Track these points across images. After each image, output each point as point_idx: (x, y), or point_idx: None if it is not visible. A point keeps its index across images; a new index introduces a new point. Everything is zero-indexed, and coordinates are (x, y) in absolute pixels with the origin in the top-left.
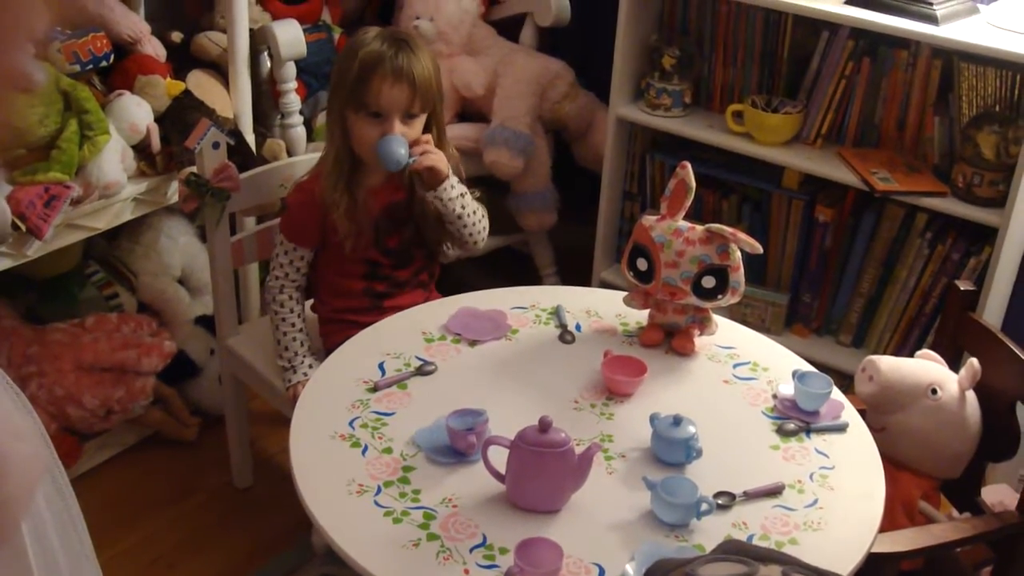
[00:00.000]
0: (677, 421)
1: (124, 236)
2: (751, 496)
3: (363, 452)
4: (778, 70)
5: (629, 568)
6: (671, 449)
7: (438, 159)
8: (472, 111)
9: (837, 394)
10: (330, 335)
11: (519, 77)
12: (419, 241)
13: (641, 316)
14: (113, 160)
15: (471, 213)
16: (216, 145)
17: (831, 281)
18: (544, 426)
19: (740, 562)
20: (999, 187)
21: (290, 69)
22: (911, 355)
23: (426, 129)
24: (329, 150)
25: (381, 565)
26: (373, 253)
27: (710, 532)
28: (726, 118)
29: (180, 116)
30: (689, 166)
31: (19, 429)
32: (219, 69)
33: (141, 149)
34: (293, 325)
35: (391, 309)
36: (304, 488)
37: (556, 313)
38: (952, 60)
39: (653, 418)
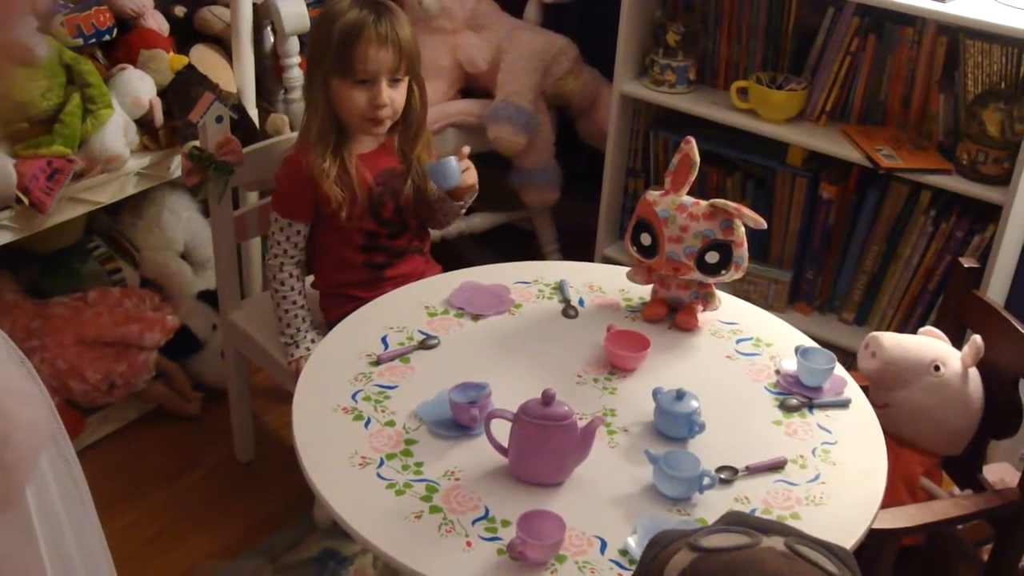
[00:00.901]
0: (680, 395)
1: (127, 210)
2: (753, 471)
3: (366, 425)
4: (783, 47)
5: (631, 541)
6: (674, 423)
7: (475, 176)
8: (476, 87)
9: (840, 370)
10: (330, 309)
11: (523, 53)
12: (412, 209)
13: (644, 291)
14: (116, 134)
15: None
16: (219, 119)
17: (834, 258)
18: (547, 399)
19: (743, 533)
20: (1004, 165)
21: (293, 44)
22: (914, 332)
23: (410, 92)
24: (312, 120)
25: (383, 537)
26: (368, 223)
27: (712, 506)
28: (730, 95)
29: (183, 90)
30: (693, 141)
31: (25, 394)
32: (222, 43)
33: (144, 123)
34: (294, 302)
35: (392, 279)
36: (307, 461)
37: (559, 288)
38: (958, 37)
39: (656, 392)
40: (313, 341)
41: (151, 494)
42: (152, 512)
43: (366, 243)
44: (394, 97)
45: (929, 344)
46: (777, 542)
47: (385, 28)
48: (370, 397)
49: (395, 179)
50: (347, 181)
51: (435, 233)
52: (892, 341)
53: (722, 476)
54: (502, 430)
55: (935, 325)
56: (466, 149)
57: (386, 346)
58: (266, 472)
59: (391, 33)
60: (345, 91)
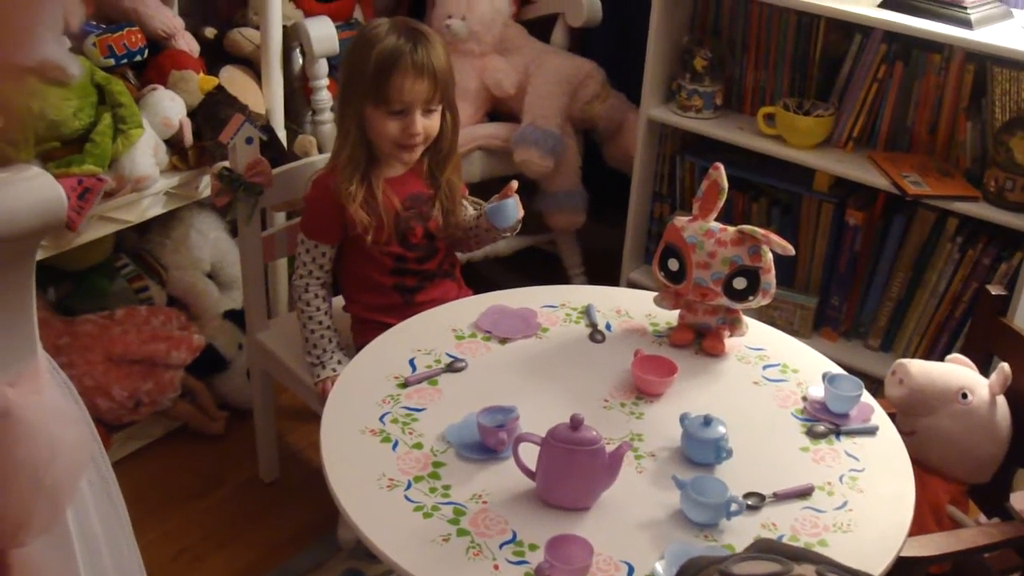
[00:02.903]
0: (707, 421)
1: (155, 230)
2: (781, 497)
3: (393, 447)
4: (810, 73)
5: (659, 567)
6: (701, 449)
7: (522, 210)
8: (503, 111)
9: (867, 397)
10: (360, 335)
11: (550, 77)
12: (442, 233)
13: (671, 316)
14: (146, 154)
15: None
16: (249, 140)
17: (860, 284)
18: (575, 424)
19: (774, 561)
20: None
21: (322, 66)
22: (940, 360)
23: (442, 117)
24: (343, 144)
25: (411, 559)
26: (396, 248)
27: (740, 532)
28: (757, 120)
29: (212, 111)
30: (722, 167)
31: (68, 416)
32: (252, 65)
33: (173, 143)
34: (320, 323)
35: (422, 304)
36: (335, 482)
37: (586, 312)
38: (985, 64)
39: (683, 418)
40: (340, 362)
41: (175, 512)
42: (176, 530)
43: (395, 266)
44: (427, 126)
45: (956, 372)
46: (808, 570)
47: (422, 58)
48: (398, 419)
49: (423, 204)
50: (373, 206)
51: (460, 256)
52: (919, 368)
53: (749, 502)
54: (530, 454)
55: (962, 352)
56: (514, 184)
57: (414, 368)
58: (290, 492)
59: (427, 63)
60: (379, 119)
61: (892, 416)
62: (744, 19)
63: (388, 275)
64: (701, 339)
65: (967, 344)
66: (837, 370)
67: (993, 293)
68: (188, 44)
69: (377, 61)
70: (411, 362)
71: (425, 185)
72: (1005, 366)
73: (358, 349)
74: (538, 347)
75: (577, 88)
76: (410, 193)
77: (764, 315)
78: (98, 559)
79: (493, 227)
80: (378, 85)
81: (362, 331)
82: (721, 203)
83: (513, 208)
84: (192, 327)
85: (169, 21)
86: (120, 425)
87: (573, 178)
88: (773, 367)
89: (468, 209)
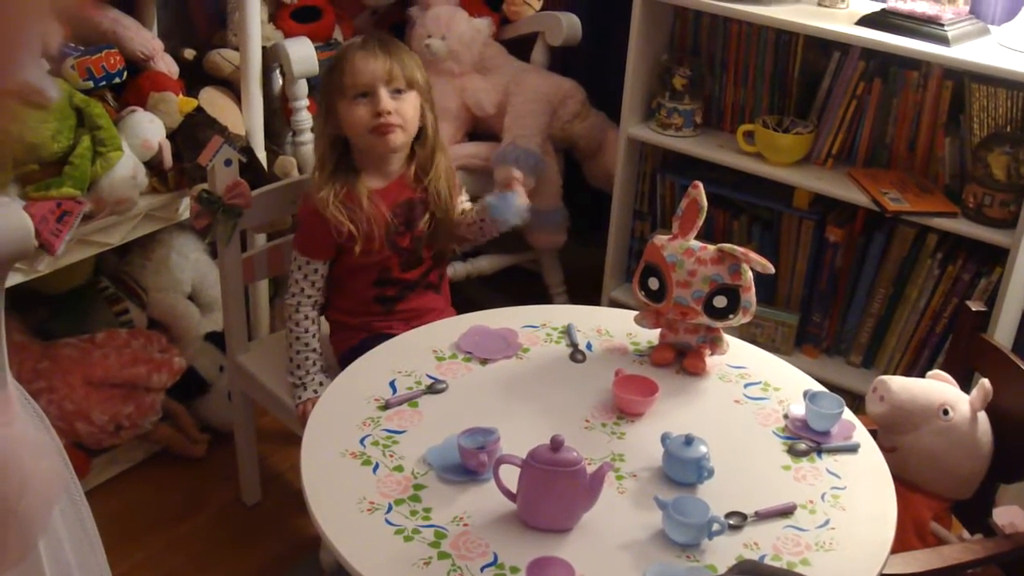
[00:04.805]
0: (688, 441)
1: (135, 252)
2: (763, 516)
3: (374, 470)
4: (789, 90)
5: None
6: (682, 469)
7: (527, 199)
8: (483, 130)
9: (848, 414)
10: (339, 341)
11: (530, 96)
12: (429, 241)
13: (652, 335)
14: (125, 176)
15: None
16: (228, 162)
17: (841, 301)
18: (556, 445)
19: None
20: (1010, 208)
21: (302, 87)
22: (922, 375)
23: (424, 132)
24: (318, 149)
25: None
26: (385, 251)
27: (721, 552)
28: (737, 138)
29: (192, 133)
30: (701, 186)
31: (41, 447)
32: (231, 86)
33: (153, 165)
34: (307, 344)
35: (404, 312)
36: (315, 506)
37: (567, 332)
38: (963, 81)
39: (664, 438)
40: (321, 384)
41: (156, 537)
42: (157, 555)
43: (379, 277)
44: (399, 108)
45: (937, 388)
46: None
47: (375, 45)
48: (378, 442)
49: (412, 209)
50: (359, 216)
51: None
52: (900, 385)
53: (731, 522)
54: (511, 476)
55: (943, 368)
56: (518, 174)
57: (394, 390)
58: (272, 515)
59: (382, 45)
60: (349, 109)
61: (874, 433)
62: (723, 37)
63: (371, 287)
64: (682, 358)
65: (948, 360)
66: (818, 388)
67: (973, 309)
68: (167, 66)
69: (339, 56)
70: (391, 384)
71: (412, 192)
72: (986, 382)
73: (336, 354)
74: (519, 368)
75: (557, 107)
76: (398, 201)
77: (745, 333)
78: None
79: (496, 221)
80: (339, 75)
81: (342, 337)
82: (700, 221)
83: (515, 201)
84: (173, 349)
85: (148, 43)
86: (101, 449)
87: (554, 197)
88: (754, 385)
89: (464, 205)
